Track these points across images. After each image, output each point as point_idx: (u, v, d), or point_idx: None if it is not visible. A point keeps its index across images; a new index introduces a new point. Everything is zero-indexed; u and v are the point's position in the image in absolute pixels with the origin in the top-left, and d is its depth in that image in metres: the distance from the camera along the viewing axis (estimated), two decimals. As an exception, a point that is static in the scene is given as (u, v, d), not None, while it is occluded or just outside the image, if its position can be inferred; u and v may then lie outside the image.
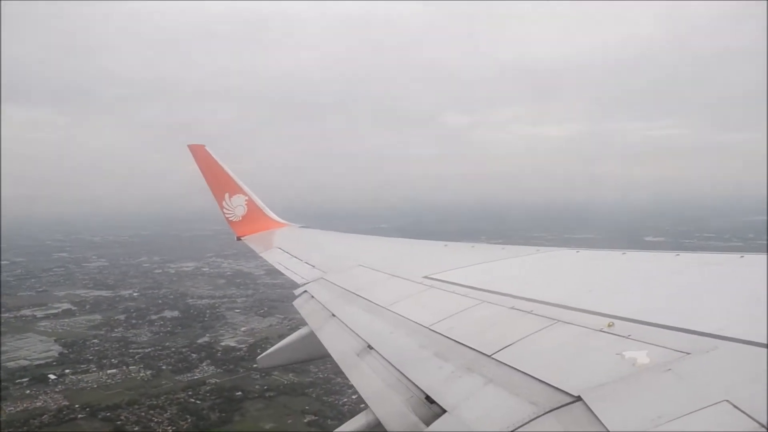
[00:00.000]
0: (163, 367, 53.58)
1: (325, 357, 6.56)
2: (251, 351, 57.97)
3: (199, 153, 16.55)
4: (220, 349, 59.30)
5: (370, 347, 4.93)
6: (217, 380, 50.39)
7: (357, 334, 5.46)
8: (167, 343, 61.13)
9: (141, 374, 52.02)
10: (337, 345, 5.52)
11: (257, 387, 49.01)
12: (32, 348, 59.87)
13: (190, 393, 47.18)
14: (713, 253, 5.24)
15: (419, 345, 4.50)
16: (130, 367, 53.62)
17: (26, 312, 76.55)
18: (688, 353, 2.99)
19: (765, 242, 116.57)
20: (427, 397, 3.64)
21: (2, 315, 73.14)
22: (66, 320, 72.45)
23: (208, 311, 76.03)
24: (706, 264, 5.04)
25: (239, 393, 47.36)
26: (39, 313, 75.83)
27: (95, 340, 62.73)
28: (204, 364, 54.67)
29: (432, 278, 6.44)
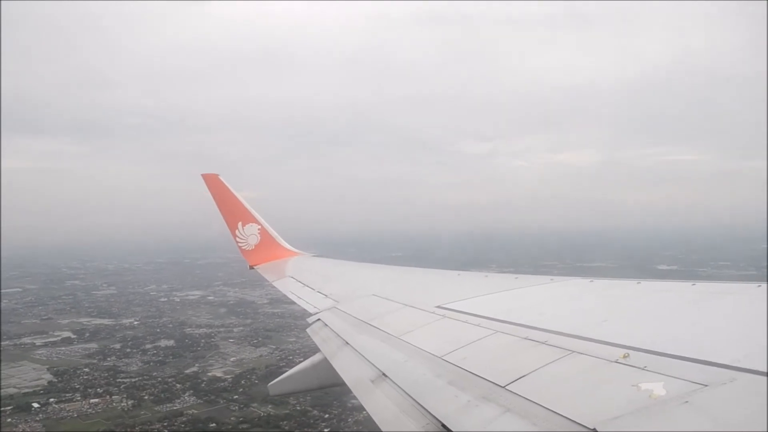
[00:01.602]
0: (146, 397, 53.92)
1: (335, 385, 6.99)
2: (235, 382, 58.41)
3: (212, 182, 16.87)
4: (205, 379, 59.51)
5: (384, 375, 4.94)
6: (195, 411, 50.60)
7: (370, 362, 5.49)
8: (155, 373, 61.60)
9: (122, 404, 52.40)
10: (351, 372, 5.57)
11: (233, 419, 49.01)
12: (24, 376, 60.79)
13: (165, 424, 47.34)
14: (729, 283, 5.20)
15: (433, 374, 4.50)
16: (114, 397, 54.03)
17: (26, 340, 77.80)
18: (706, 385, 2.94)
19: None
20: (444, 426, 3.64)
21: (2, 343, 74.68)
22: (63, 348, 73.47)
23: (203, 340, 76.44)
24: (722, 294, 4.97)
25: (213, 425, 47.42)
26: (38, 341, 76.97)
27: (86, 369, 63.40)
28: (186, 394, 54.88)
29: (445, 308, 6.47)
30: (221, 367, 63.96)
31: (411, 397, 4.22)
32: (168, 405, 52.31)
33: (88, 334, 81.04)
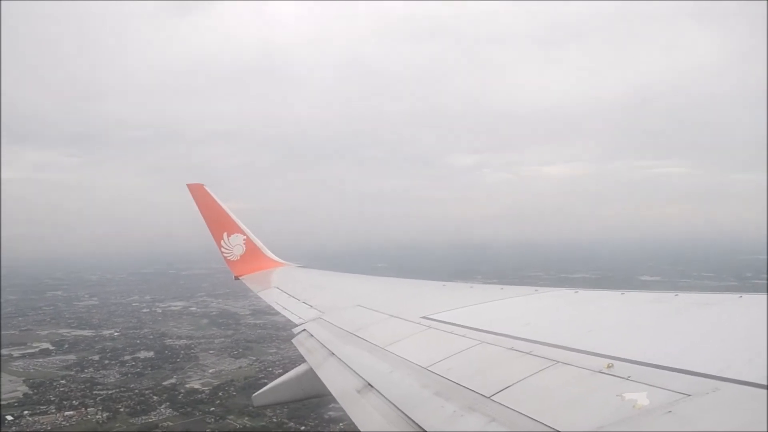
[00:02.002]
0: (121, 410, 53.39)
1: (320, 396, 7.02)
2: (213, 393, 58.08)
3: (198, 192, 16.76)
4: (183, 391, 59.11)
5: (370, 386, 4.93)
6: (170, 423, 50.28)
7: (356, 372, 5.46)
8: (132, 385, 61.13)
9: (97, 416, 51.88)
10: (337, 382, 5.55)
11: (208, 431, 48.83)
12: (-1, 388, 60.19)
13: (139, 436, 47.21)
14: (712, 294, 5.24)
15: (419, 385, 4.51)
16: (89, 409, 53.44)
17: (4, 351, 76.60)
18: (689, 395, 2.96)
19: (763, 281, 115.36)
20: None
21: (-22, 355, 73.94)
22: (40, 360, 72.73)
23: (182, 352, 75.93)
24: (705, 304, 5.01)
25: (188, 437, 47.28)
26: (16, 353, 76.08)
27: (62, 381, 62.74)
28: (163, 406, 54.45)
29: (430, 318, 6.47)
30: (199, 379, 63.59)
31: (397, 407, 4.24)
32: (143, 417, 51.87)
33: (66, 346, 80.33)
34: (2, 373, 65.95)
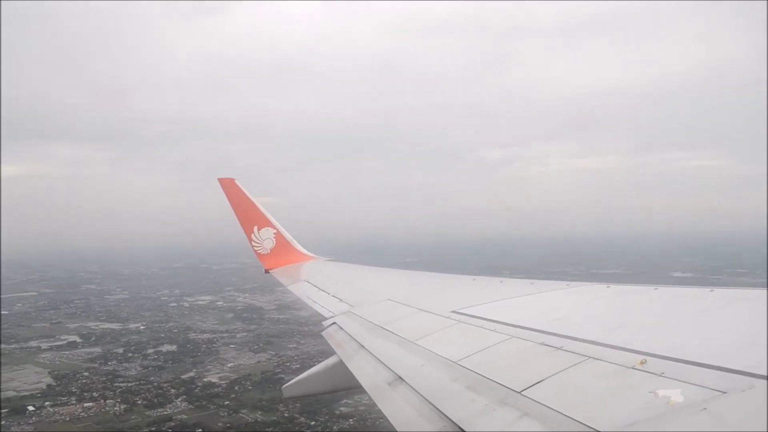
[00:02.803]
0: (139, 402, 54.58)
1: (349, 388, 7.05)
2: (229, 387, 58.92)
3: (228, 186, 17.11)
4: (200, 384, 60.09)
5: (400, 379, 4.94)
6: (185, 416, 51.11)
7: (386, 365, 5.46)
8: (152, 378, 62.33)
9: (115, 408, 53.16)
10: (368, 375, 5.56)
11: (220, 425, 49.38)
12: (25, 379, 61.98)
13: (153, 428, 47.97)
14: (748, 289, 5.17)
15: (449, 378, 4.51)
16: (108, 401, 54.82)
17: (33, 343, 79.37)
18: (724, 392, 2.91)
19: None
20: (461, 429, 3.63)
21: (11, 346, 76.36)
22: (67, 352, 74.75)
23: (204, 346, 77.10)
24: (740, 300, 4.96)
25: (200, 430, 47.82)
26: (44, 345, 78.51)
27: (86, 373, 64.43)
28: (179, 399, 55.42)
29: (460, 313, 6.44)
30: (218, 373, 64.48)
31: (428, 401, 4.22)
32: (159, 410, 52.92)
33: (93, 338, 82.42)
34: (29, 365, 68.13)
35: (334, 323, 8.32)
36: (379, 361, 5.70)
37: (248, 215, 17.03)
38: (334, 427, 47.80)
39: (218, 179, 17.19)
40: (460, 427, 3.62)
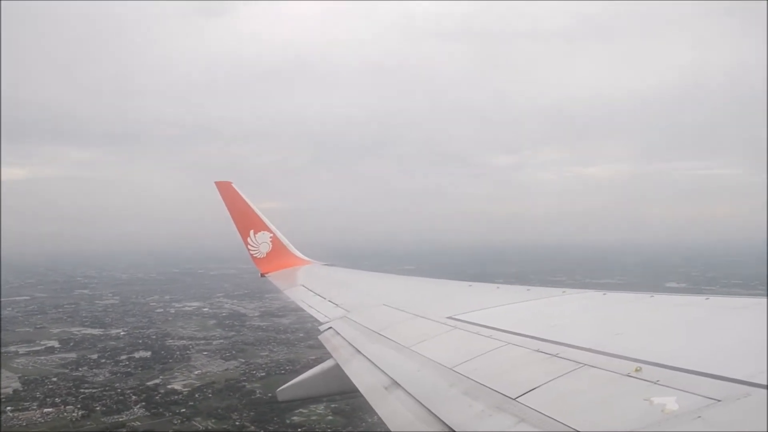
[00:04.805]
0: (98, 408, 55.20)
1: (344, 393, 7.34)
2: (190, 395, 59.41)
3: (225, 190, 17.22)
4: (162, 392, 60.69)
5: (396, 383, 5.01)
6: (138, 423, 51.80)
7: (383, 370, 5.53)
8: (117, 384, 63.10)
9: (73, 414, 53.94)
10: (364, 379, 5.64)
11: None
12: (-7, 384, 63.03)
13: (103, 436, 48.85)
14: (743, 298, 5.22)
15: (445, 384, 4.55)
16: (68, 407, 55.56)
17: (12, 348, 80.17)
18: (719, 400, 2.92)
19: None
20: None
21: (-12, 351, 77.53)
22: (42, 358, 75.63)
23: (177, 352, 77.63)
24: (736, 308, 4.99)
25: (148, 437, 48.64)
26: (22, 350, 79.33)
27: (54, 379, 65.22)
28: (137, 406, 55.95)
29: (456, 319, 6.50)
30: (183, 380, 65.03)
31: (423, 405, 4.28)
32: (116, 416, 53.56)
33: (72, 344, 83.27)
34: (3, 370, 69.12)
35: (330, 328, 8.39)
36: (375, 365, 5.77)
37: (245, 219, 17.11)
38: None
39: (215, 182, 17.25)
40: None
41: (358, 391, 5.46)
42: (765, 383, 2.95)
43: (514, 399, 3.71)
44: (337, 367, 6.73)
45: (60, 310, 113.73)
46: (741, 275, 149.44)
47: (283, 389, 8.41)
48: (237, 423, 51.18)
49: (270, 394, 58.22)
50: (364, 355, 6.38)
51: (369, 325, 7.69)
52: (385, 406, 4.67)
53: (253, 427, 50.30)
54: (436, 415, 3.98)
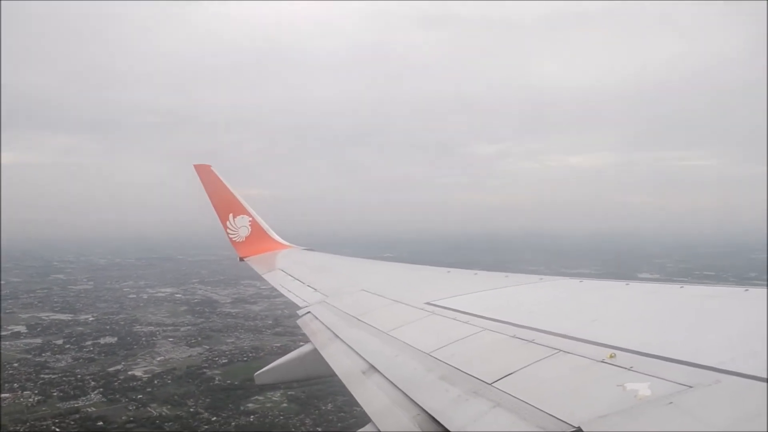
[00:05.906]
0: (55, 394, 55.57)
1: (321, 377, 7.36)
2: (149, 382, 59.79)
3: (204, 173, 17.03)
4: (121, 378, 61.04)
5: (374, 368, 5.05)
6: (93, 409, 52.20)
7: (360, 355, 5.58)
8: (78, 370, 63.50)
9: (30, 400, 54.35)
10: (342, 364, 5.69)
11: (123, 418, 50.47)
12: (-47, 370, 63.13)
13: (56, 420, 49.04)
14: (717, 286, 5.37)
15: (423, 369, 4.60)
16: (25, 392, 55.96)
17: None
18: (690, 386, 2.99)
19: (764, 282, 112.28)
20: (433, 418, 3.72)
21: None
22: (7, 343, 75.43)
23: (143, 339, 77.93)
24: (709, 297, 5.08)
25: (100, 423, 48.87)
26: (-13, 335, 79.67)
27: (15, 364, 65.27)
28: (95, 392, 56.33)
29: (434, 304, 6.54)
30: (145, 366, 65.37)
31: (401, 390, 4.34)
32: (71, 402, 53.95)
33: (39, 329, 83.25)
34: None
35: (309, 312, 8.46)
36: (353, 350, 5.84)
37: (224, 202, 16.98)
38: (232, 423, 48.93)
39: (194, 165, 17.08)
40: (432, 417, 3.73)
41: (336, 375, 5.55)
42: (735, 370, 3.05)
43: (490, 384, 3.80)
44: (315, 352, 6.79)
45: (32, 295, 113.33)
46: (716, 266, 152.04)
47: (260, 373, 8.38)
48: (191, 410, 51.74)
49: (229, 381, 59.15)
50: (342, 339, 6.45)
51: (348, 310, 7.75)
52: (363, 390, 4.74)
53: (206, 414, 50.91)
54: (413, 400, 4.07)
